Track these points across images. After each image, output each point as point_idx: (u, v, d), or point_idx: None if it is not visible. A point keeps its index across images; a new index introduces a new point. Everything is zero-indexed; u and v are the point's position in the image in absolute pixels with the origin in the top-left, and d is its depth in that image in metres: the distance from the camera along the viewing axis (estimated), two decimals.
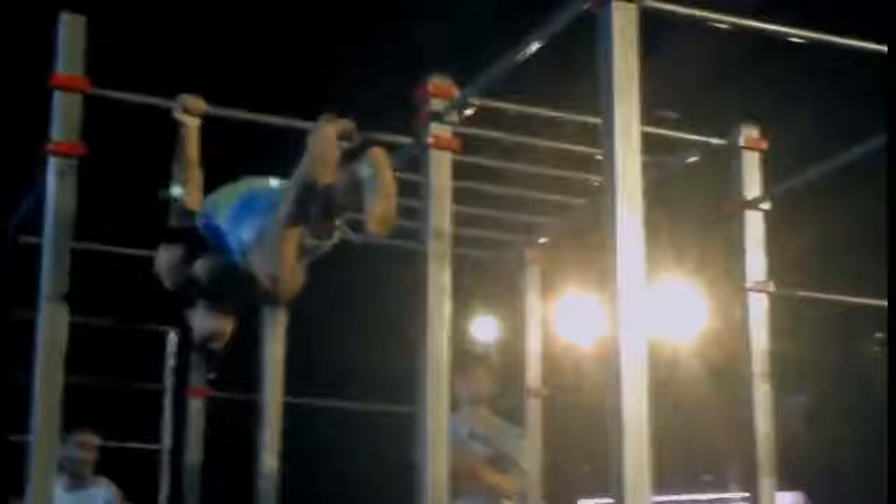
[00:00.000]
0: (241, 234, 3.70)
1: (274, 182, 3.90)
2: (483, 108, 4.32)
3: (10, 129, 6.23)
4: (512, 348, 5.92)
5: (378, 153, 3.53)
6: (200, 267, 3.84)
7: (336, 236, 3.76)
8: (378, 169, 3.48)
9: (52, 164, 3.88)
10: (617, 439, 3.06)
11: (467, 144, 4.47)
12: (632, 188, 3.21)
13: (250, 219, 3.71)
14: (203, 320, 3.87)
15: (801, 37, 3.73)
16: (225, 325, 3.90)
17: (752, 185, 4.53)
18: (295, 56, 6.55)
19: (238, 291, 3.84)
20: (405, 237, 4.51)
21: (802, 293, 5.04)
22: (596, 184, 5.03)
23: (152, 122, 4.15)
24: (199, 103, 4.10)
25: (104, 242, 5.56)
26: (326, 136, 3.57)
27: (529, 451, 5.35)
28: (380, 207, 3.45)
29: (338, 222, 3.69)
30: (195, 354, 4.39)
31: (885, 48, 3.60)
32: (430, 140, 4.22)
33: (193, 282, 3.86)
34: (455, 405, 5.06)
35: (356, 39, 4.08)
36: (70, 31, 3.92)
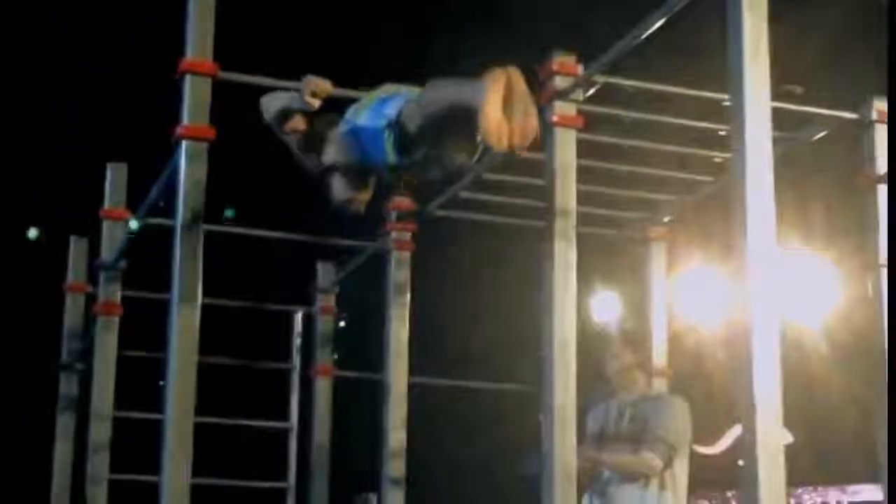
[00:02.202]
0: (386, 112, 3.70)
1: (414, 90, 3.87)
2: (607, 86, 4.29)
3: (142, 114, 6.35)
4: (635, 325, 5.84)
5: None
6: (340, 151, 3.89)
7: (478, 154, 3.71)
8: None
9: (183, 147, 3.93)
10: (749, 422, 3.02)
11: (591, 122, 4.45)
12: (761, 164, 3.16)
13: (390, 105, 3.71)
14: (342, 188, 3.93)
15: None
16: (362, 195, 3.96)
17: (886, 159, 4.42)
18: (419, 36, 6.56)
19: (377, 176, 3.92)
20: (530, 216, 4.50)
21: None
22: (718, 160, 4.97)
23: None
24: (325, 85, 4.09)
25: (233, 224, 5.66)
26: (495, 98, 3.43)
27: None
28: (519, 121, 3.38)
29: (479, 139, 3.57)
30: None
31: None
32: (554, 118, 4.21)
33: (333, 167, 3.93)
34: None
35: (480, 18, 4.08)
36: (199, 16, 3.98)
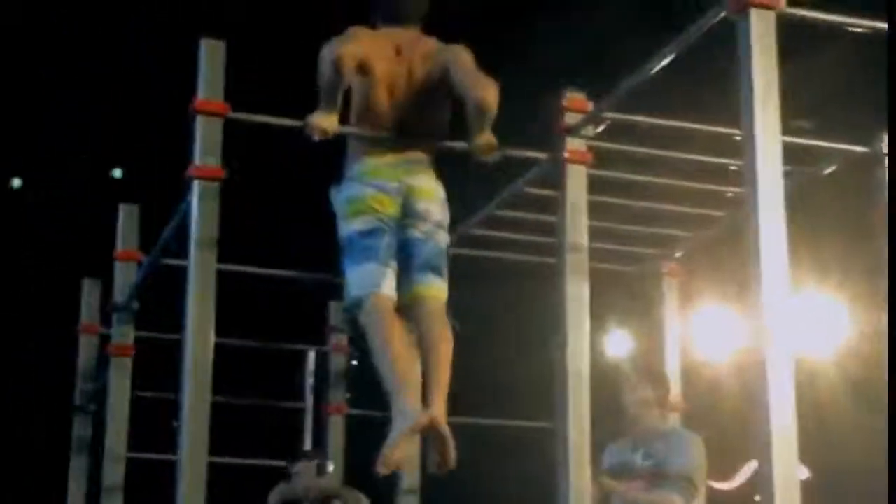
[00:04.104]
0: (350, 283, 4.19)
1: None
2: (618, 122, 4.30)
3: (157, 154, 6.39)
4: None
5: None
6: None
7: None
8: None
9: (195, 187, 3.95)
10: (766, 457, 3.01)
11: (603, 158, 4.46)
12: (773, 198, 3.16)
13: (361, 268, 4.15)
14: None
15: None
16: None
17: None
18: None
19: None
20: (542, 253, 4.51)
21: None
22: (730, 195, 4.96)
23: (293, 143, 4.18)
24: (327, 123, 4.09)
25: (247, 263, 5.65)
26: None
27: None
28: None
29: None
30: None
31: None
32: (565, 154, 4.22)
33: None
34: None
35: (491, 55, 4.11)
36: (210, 57, 3.99)
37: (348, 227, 4.13)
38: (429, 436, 3.84)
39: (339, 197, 4.19)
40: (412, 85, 4.24)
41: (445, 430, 3.81)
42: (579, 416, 4.04)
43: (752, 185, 3.17)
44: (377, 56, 4.20)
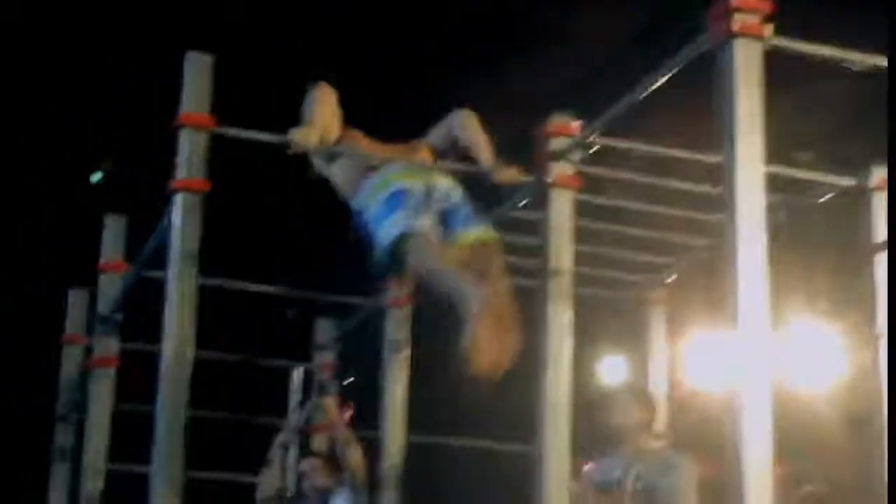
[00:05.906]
0: (388, 229, 4.04)
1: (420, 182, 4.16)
2: (607, 148, 4.28)
3: (141, 167, 6.38)
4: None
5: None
6: None
7: None
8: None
9: (178, 200, 3.92)
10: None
11: (593, 184, 4.43)
12: (753, 227, 3.12)
13: (392, 219, 4.04)
14: None
15: None
16: None
17: (884, 225, 4.37)
18: (418, 95, 6.60)
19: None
20: (526, 276, 4.47)
21: None
22: (717, 223, 4.93)
23: (278, 158, 4.17)
24: (309, 136, 4.10)
25: (231, 278, 5.62)
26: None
27: None
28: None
29: None
30: None
31: None
32: (548, 179, 4.19)
33: None
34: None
35: (479, 78, 4.11)
36: (196, 70, 3.98)
37: (376, 201, 4.13)
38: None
39: (361, 195, 4.20)
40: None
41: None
42: (558, 441, 4.01)
43: (731, 213, 3.14)
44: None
